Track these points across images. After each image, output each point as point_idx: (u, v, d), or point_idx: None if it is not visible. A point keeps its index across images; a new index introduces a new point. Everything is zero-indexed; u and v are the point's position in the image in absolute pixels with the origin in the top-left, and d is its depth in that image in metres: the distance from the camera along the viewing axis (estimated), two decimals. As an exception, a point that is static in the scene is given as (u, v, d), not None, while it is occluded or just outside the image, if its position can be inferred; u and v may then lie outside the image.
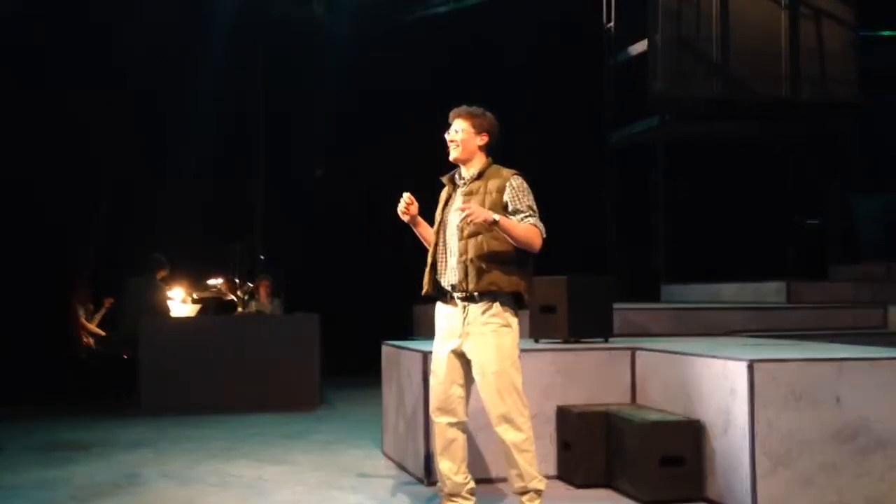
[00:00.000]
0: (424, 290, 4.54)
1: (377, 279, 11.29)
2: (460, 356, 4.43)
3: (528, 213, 4.34)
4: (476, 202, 4.31)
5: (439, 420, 4.48)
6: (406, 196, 4.49)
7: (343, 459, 6.45)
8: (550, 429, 5.69)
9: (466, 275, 4.31)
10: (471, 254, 4.31)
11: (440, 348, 4.49)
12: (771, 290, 8.94)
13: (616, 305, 6.61)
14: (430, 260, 4.52)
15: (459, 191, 4.49)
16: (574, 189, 11.49)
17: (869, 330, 7.66)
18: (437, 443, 4.53)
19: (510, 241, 4.28)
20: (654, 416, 5.27)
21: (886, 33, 14.16)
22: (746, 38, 11.31)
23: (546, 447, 5.58)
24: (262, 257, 11.07)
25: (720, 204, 11.99)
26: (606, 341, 6.20)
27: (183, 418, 8.20)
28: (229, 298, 9.72)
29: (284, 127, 12.15)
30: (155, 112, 11.00)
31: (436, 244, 4.50)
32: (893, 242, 11.90)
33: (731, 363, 4.88)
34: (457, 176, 4.57)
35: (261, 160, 12.26)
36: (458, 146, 4.47)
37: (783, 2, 11.39)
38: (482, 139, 4.48)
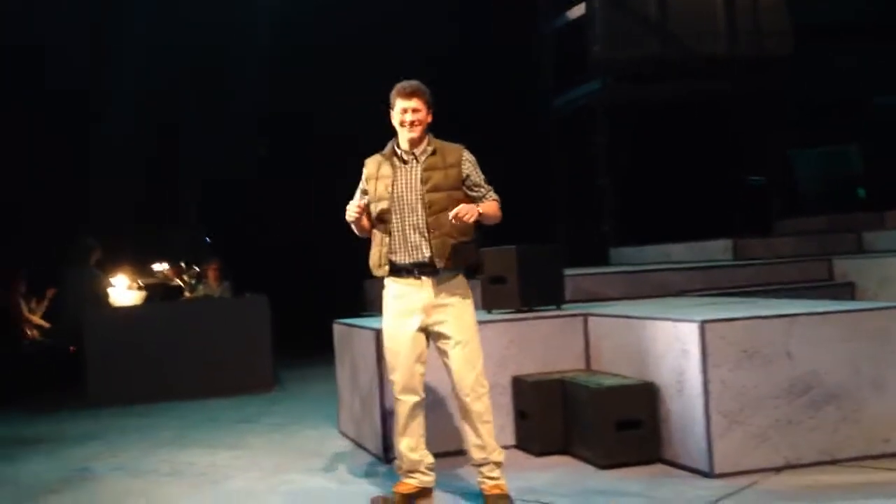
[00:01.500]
0: (377, 270, 4.47)
1: (325, 256, 11.17)
2: (423, 331, 4.42)
3: (488, 188, 4.49)
4: (438, 178, 4.38)
5: (406, 399, 4.46)
6: (357, 207, 4.40)
7: (299, 441, 6.38)
8: (507, 399, 5.67)
9: (440, 250, 4.33)
10: (444, 229, 4.33)
11: (401, 326, 4.44)
12: (718, 248, 9.02)
13: (567, 272, 6.60)
14: (380, 238, 4.45)
15: (416, 166, 4.42)
16: (518, 158, 11.44)
17: (815, 283, 7.76)
18: (399, 422, 4.50)
19: (484, 221, 4.39)
20: (608, 381, 5.27)
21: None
22: (682, -5, 11.35)
23: (503, 418, 5.56)
24: (207, 240, 10.88)
25: (664, 165, 12.04)
26: (558, 308, 6.19)
27: (132, 408, 8.05)
28: (175, 283, 9.54)
29: (223, 106, 11.90)
30: (86, 95, 10.70)
31: (385, 222, 4.42)
32: (832, 194, 12.09)
33: (682, 325, 4.90)
34: (399, 151, 4.48)
35: (200, 141, 12.01)
36: (416, 126, 4.41)
37: (717, -43, 11.42)
38: (430, 116, 4.48)
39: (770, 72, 11.88)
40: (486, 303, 6.26)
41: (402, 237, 4.40)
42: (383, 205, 4.43)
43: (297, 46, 11.59)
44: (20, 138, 10.27)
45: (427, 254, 4.35)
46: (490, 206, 4.44)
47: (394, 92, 4.47)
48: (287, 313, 9.60)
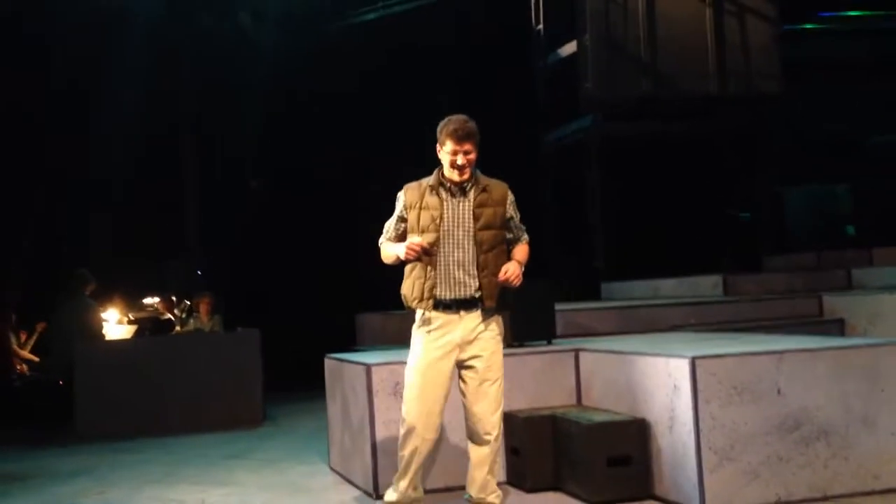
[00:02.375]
0: (417, 303, 4.40)
1: (317, 291, 11.18)
2: (451, 368, 4.42)
3: (522, 230, 4.60)
4: (489, 215, 4.40)
5: (428, 436, 4.42)
6: (420, 244, 4.32)
7: (289, 477, 6.34)
8: (502, 435, 5.64)
9: (490, 290, 4.35)
10: (492, 269, 4.35)
11: (437, 361, 4.40)
12: (708, 284, 9.05)
13: (558, 307, 6.61)
14: (422, 270, 4.38)
15: (465, 202, 4.40)
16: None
17: (805, 319, 7.78)
18: (412, 461, 4.45)
19: None
20: (599, 417, 5.27)
21: (809, 26, 14.51)
22: (673, 36, 11.50)
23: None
24: (199, 273, 10.88)
25: (655, 201, 12.12)
26: (550, 344, 6.19)
27: (122, 444, 7.99)
28: (166, 317, 9.52)
29: (216, 141, 11.97)
30: (81, 131, 10.74)
31: (430, 255, 4.35)
32: (822, 231, 12.17)
33: (673, 360, 4.90)
34: (448, 184, 4.42)
35: (193, 176, 12.06)
36: (467, 169, 4.38)
37: (707, -1, 11.58)
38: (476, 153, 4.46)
39: (760, 110, 12.00)
40: (478, 338, 6.23)
41: (444, 272, 4.36)
42: (429, 237, 4.35)
43: (298, 85, 11.69)
44: (18, 170, 10.28)
45: (473, 292, 4.35)
46: (524, 254, 4.52)
47: (445, 129, 4.39)
48: (279, 347, 9.59)
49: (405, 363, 5.49)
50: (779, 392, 4.82)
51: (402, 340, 7.91)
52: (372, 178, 10.58)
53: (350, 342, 9.18)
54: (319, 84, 11.73)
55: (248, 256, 11.55)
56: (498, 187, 4.49)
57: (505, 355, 5.81)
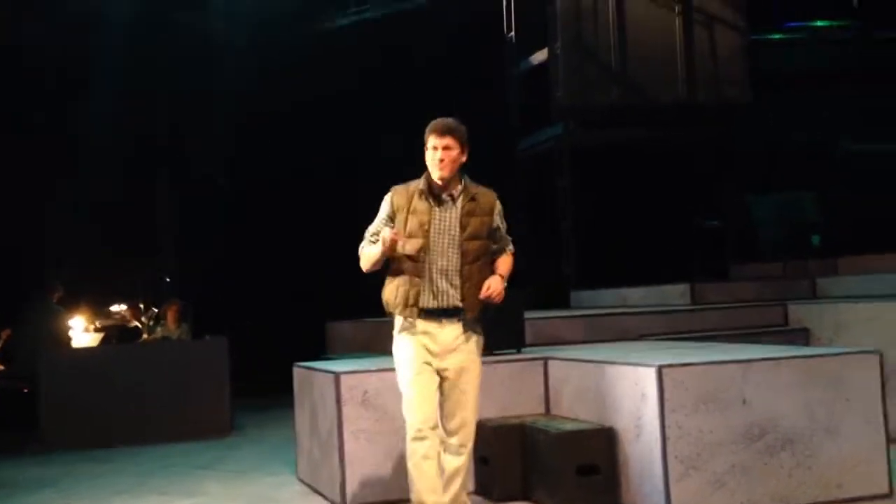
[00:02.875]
0: (401, 310, 4.32)
1: (286, 298, 11.13)
2: (437, 374, 4.36)
3: (508, 240, 4.53)
4: (476, 225, 4.32)
5: (435, 436, 4.31)
6: (395, 232, 4.23)
7: (257, 488, 6.30)
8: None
9: (472, 302, 4.28)
10: (475, 280, 4.29)
11: (423, 365, 4.32)
12: (676, 292, 9.11)
13: (528, 315, 6.63)
14: (407, 277, 4.29)
15: (452, 209, 4.32)
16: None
17: (771, 328, 7.85)
18: (430, 472, 4.28)
19: None
20: (567, 426, 5.29)
21: (777, 36, 14.67)
22: (643, 44, 11.57)
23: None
24: (167, 280, 10.79)
25: (625, 209, 12.19)
26: (519, 352, 6.21)
27: (88, 453, 7.90)
28: (134, 325, 9.43)
29: (186, 145, 11.89)
30: (48, 129, 10.63)
31: (415, 261, 4.27)
32: (788, 240, 12.28)
33: (640, 369, 4.94)
34: (436, 189, 4.33)
35: (164, 182, 11.97)
36: (447, 165, 4.28)
37: (677, 8, 11.67)
38: (464, 155, 4.37)
39: (729, 119, 12.11)
40: (447, 347, 6.24)
41: (428, 280, 4.28)
42: (416, 242, 4.26)
43: (274, 89, 11.64)
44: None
45: (455, 301, 4.28)
46: (508, 267, 4.46)
47: (428, 128, 4.34)
48: (247, 356, 9.53)
49: (374, 371, 5.52)
50: (744, 401, 4.86)
51: (373, 349, 7.93)
52: (346, 185, 10.55)
53: (320, 350, 9.14)
54: (295, 88, 11.69)
55: (216, 264, 11.47)
56: (486, 196, 4.41)
57: (474, 364, 5.85)
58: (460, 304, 4.28)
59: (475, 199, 4.34)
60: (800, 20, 14.81)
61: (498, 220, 4.45)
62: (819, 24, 14.93)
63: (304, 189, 11.61)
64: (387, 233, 4.20)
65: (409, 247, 4.25)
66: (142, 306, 9.31)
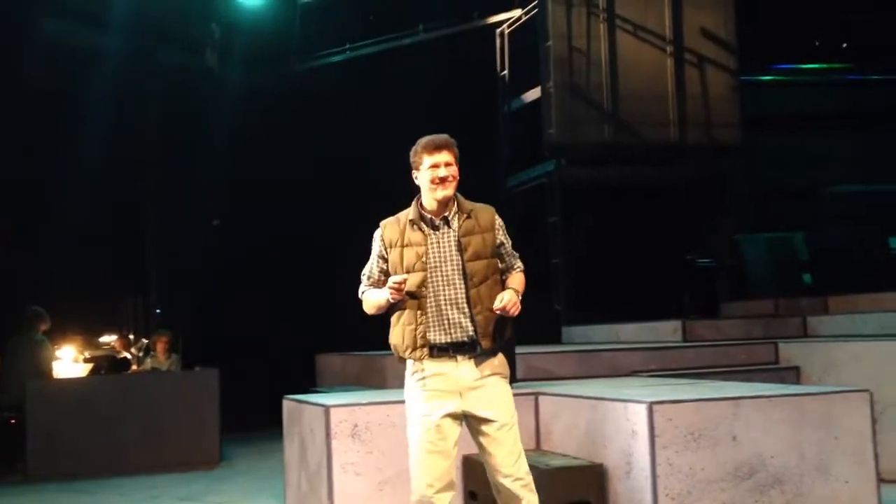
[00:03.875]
0: (409, 353, 3.94)
1: (277, 331, 11.12)
2: (458, 419, 3.98)
3: (515, 257, 4.15)
4: (477, 243, 3.96)
5: (444, 497, 3.95)
6: (399, 282, 3.88)
7: (244, 520, 6.25)
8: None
9: (485, 328, 3.91)
10: (486, 303, 3.90)
11: (437, 412, 3.92)
12: (668, 329, 9.13)
13: (519, 350, 6.62)
14: (412, 315, 3.92)
15: (449, 232, 3.97)
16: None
17: (762, 366, 7.86)
18: None
19: None
20: (557, 462, 5.26)
21: (768, 78, 14.87)
22: (635, 84, 11.69)
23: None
24: (158, 311, 10.77)
25: (616, 246, 12.25)
26: (510, 387, 6.17)
27: (74, 484, 7.83)
28: (123, 356, 9.39)
29: (178, 177, 11.93)
30: (41, 162, 10.65)
31: (417, 297, 3.91)
32: (779, 279, 12.34)
33: (631, 405, 4.92)
34: (429, 216, 4.00)
35: (153, 212, 11.97)
36: (450, 182, 3.95)
37: (668, 49, 11.81)
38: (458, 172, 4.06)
39: (719, 159, 12.21)
40: (438, 381, 6.23)
41: (436, 313, 3.89)
42: (417, 277, 3.90)
43: (263, 125, 11.72)
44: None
45: (469, 332, 3.90)
46: (520, 283, 4.06)
47: (419, 148, 4.00)
48: (237, 388, 9.50)
49: (364, 405, 5.50)
50: (734, 439, 4.85)
51: (362, 382, 7.90)
52: (336, 219, 10.56)
53: (310, 383, 9.12)
54: (284, 124, 11.77)
55: (207, 296, 11.46)
56: (484, 212, 4.05)
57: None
58: (474, 335, 3.90)
59: (472, 217, 3.99)
60: (790, 62, 15.02)
61: (501, 236, 4.07)
62: (809, 66, 15.14)
63: (294, 222, 11.65)
64: (392, 282, 3.86)
65: (409, 283, 3.90)
66: (132, 337, 9.29)
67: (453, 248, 3.94)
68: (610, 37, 11.63)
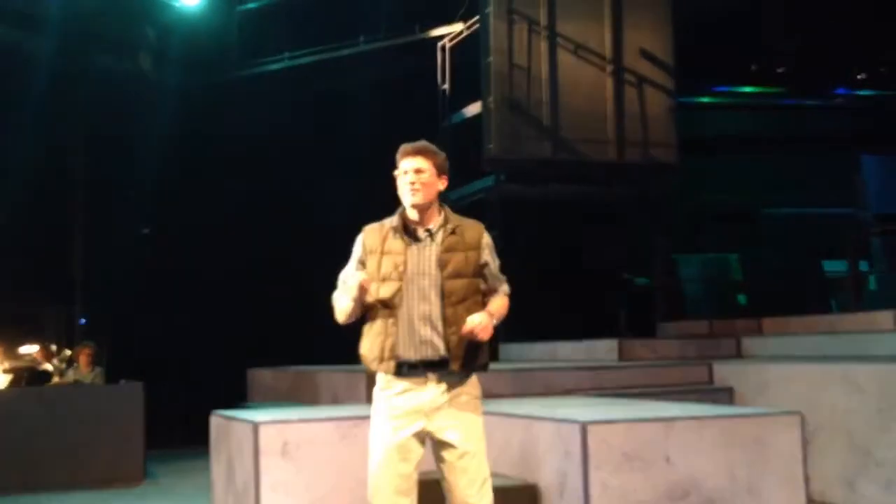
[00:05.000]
0: (377, 365, 3.79)
1: (206, 344, 10.86)
2: (422, 439, 3.82)
3: (502, 280, 3.99)
4: (459, 262, 3.80)
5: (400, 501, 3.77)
6: (364, 279, 3.72)
7: (166, 541, 6.05)
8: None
9: (457, 350, 3.74)
10: (461, 323, 3.72)
11: (398, 430, 3.77)
12: (604, 348, 9.13)
13: (452, 368, 6.53)
14: (382, 326, 3.77)
15: (431, 245, 3.82)
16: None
17: (696, 386, 7.89)
18: None
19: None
20: (491, 482, 5.17)
21: (705, 100, 15.09)
22: (574, 102, 11.75)
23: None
24: (82, 321, 10.46)
25: (554, 262, 12.27)
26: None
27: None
28: (44, 367, 9.09)
29: (107, 183, 11.62)
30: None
31: (391, 307, 3.76)
32: (713, 299, 12.49)
33: (564, 425, 4.87)
34: (412, 225, 3.85)
35: (80, 218, 11.63)
36: (421, 190, 3.78)
37: (608, 69, 11.89)
38: (443, 183, 3.89)
39: (656, 178, 12.32)
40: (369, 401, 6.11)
41: (407, 328, 3.75)
42: (391, 286, 3.75)
43: (197, 132, 11.49)
44: None
45: (440, 351, 3.74)
46: (501, 307, 3.90)
47: (398, 152, 3.87)
48: (163, 403, 9.26)
49: (295, 421, 5.35)
50: (668, 460, 4.81)
51: (294, 398, 7.72)
52: (267, 230, 10.39)
53: (239, 398, 8.91)
54: (219, 132, 11.57)
55: (133, 306, 11.16)
56: (471, 229, 3.89)
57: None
58: (446, 355, 3.75)
59: (456, 233, 3.83)
60: (727, 85, 15.26)
61: (487, 256, 3.90)
62: (745, 89, 15.41)
63: (225, 233, 11.44)
64: (356, 279, 3.73)
65: (383, 291, 3.75)
66: (54, 348, 9.01)
67: (433, 263, 3.79)
68: (551, 54, 11.67)
